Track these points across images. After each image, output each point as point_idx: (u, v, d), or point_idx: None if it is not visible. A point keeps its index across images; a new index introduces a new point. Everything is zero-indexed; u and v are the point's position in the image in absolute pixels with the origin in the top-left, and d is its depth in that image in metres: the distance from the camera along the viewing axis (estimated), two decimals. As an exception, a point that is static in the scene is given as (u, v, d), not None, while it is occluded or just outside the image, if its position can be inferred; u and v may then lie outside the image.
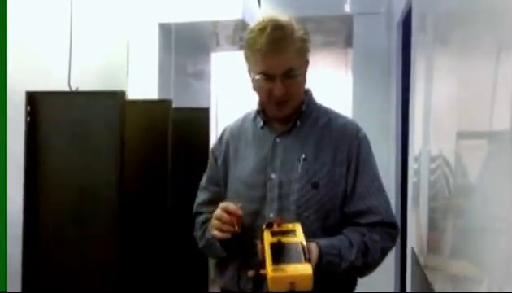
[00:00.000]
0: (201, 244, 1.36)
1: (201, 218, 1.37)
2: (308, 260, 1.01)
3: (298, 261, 0.99)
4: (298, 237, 1.07)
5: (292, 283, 0.96)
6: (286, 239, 1.05)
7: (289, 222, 1.12)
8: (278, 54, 1.18)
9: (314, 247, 1.12)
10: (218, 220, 1.18)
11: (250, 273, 1.09)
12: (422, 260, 1.66)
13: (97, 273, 1.75)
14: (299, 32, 1.21)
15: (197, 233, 1.37)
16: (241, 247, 1.19)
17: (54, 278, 1.78)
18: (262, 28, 1.18)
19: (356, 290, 1.30)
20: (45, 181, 1.79)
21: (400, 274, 2.84)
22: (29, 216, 1.78)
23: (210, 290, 2.84)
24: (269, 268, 0.97)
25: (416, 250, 1.84)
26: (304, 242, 1.05)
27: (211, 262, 1.39)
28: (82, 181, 1.77)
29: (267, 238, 1.07)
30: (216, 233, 1.18)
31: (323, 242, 1.15)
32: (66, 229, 1.78)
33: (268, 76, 1.20)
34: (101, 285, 1.74)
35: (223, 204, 1.20)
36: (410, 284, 2.14)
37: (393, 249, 2.92)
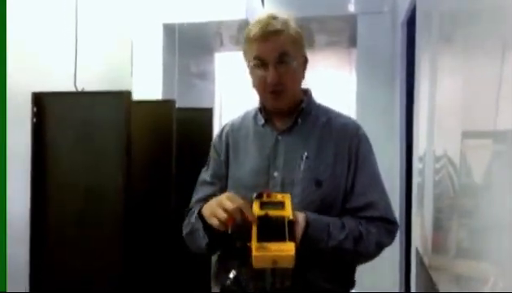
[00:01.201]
0: (186, 231, 1.30)
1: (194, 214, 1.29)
2: (292, 238, 1.03)
3: (282, 239, 1.03)
4: (286, 210, 1.09)
5: (274, 261, 1.01)
6: (274, 213, 1.08)
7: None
8: (271, 40, 1.19)
9: (301, 218, 1.13)
10: (220, 207, 1.10)
11: (238, 244, 1.08)
12: (426, 260, 1.66)
13: (103, 273, 1.75)
14: (294, 26, 1.24)
15: (185, 221, 1.32)
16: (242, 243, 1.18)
17: (60, 279, 1.79)
18: (258, 21, 1.22)
19: (359, 290, 1.30)
20: (51, 182, 1.80)
21: (404, 274, 2.84)
22: (36, 216, 1.78)
23: (213, 291, 2.84)
24: (254, 246, 1.02)
25: (420, 250, 1.84)
26: (291, 217, 1.07)
27: (214, 262, 1.37)
28: (88, 181, 1.78)
29: (256, 209, 1.09)
30: (213, 220, 1.11)
31: (313, 215, 1.16)
32: (72, 230, 1.79)
33: (262, 63, 1.21)
34: (106, 285, 1.75)
35: (235, 197, 1.11)
36: (414, 284, 2.14)
37: (398, 249, 2.92)
